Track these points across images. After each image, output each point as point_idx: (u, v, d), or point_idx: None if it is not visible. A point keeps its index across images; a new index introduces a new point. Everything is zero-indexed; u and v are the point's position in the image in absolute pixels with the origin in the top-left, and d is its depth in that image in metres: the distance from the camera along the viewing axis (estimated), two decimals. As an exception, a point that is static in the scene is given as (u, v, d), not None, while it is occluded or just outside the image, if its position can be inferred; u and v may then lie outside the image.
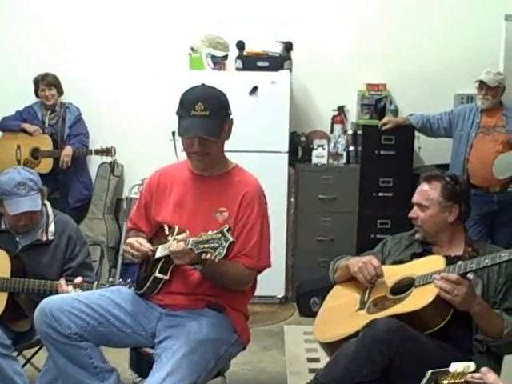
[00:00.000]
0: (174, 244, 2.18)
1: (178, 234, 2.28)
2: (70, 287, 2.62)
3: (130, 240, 2.39)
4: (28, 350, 2.86)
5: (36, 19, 4.96)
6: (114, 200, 5.01)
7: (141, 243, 2.34)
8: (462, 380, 1.36)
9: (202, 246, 2.07)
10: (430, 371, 1.44)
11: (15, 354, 2.67)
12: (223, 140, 2.37)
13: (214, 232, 2.08)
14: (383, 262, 2.51)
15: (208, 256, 2.06)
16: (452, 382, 1.37)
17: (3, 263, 2.68)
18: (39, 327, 2.30)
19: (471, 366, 1.38)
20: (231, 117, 2.38)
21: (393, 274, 2.41)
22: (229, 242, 2.04)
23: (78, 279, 2.67)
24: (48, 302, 2.31)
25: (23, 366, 2.77)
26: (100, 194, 4.94)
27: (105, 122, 4.97)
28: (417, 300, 2.22)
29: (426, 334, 2.18)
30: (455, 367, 1.39)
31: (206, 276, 2.28)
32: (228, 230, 2.07)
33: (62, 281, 2.64)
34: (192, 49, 4.60)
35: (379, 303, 2.33)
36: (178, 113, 2.32)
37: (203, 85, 2.38)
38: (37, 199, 2.74)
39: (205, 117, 2.25)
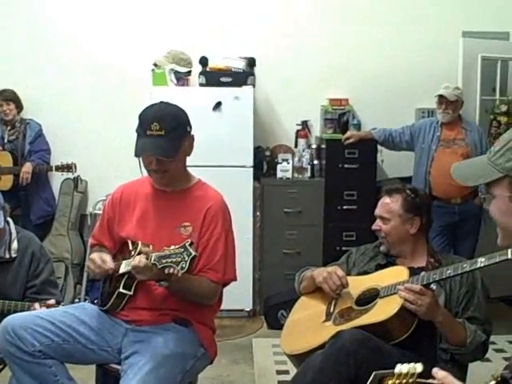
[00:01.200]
0: (135, 259, 2.17)
1: (141, 249, 2.27)
2: (37, 305, 2.57)
3: (92, 256, 2.37)
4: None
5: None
6: (78, 216, 4.97)
7: (103, 260, 2.32)
8: (410, 381, 1.32)
9: (164, 261, 2.07)
10: (374, 372, 1.42)
11: (-24, 374, 2.62)
12: (183, 157, 2.38)
13: (177, 247, 2.09)
14: (348, 274, 2.53)
15: (171, 271, 2.06)
16: (398, 382, 1.34)
17: (-36, 282, 2.62)
18: (2, 346, 2.25)
19: (418, 367, 1.32)
20: (191, 133, 2.38)
21: (358, 284, 2.43)
22: (191, 256, 2.05)
23: (51, 301, 2.63)
24: (10, 320, 2.27)
25: (-15, 386, 2.70)
26: (63, 210, 4.88)
27: (68, 138, 4.94)
28: (382, 311, 2.25)
29: (392, 344, 2.21)
30: (400, 368, 1.34)
31: (172, 292, 2.28)
32: (190, 244, 2.08)
33: (37, 305, 2.59)
34: (155, 64, 4.60)
35: (345, 314, 2.36)
36: (136, 131, 2.33)
37: (161, 103, 2.39)
38: (0, 216, 2.70)
39: (160, 136, 2.25)
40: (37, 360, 2.23)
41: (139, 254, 2.24)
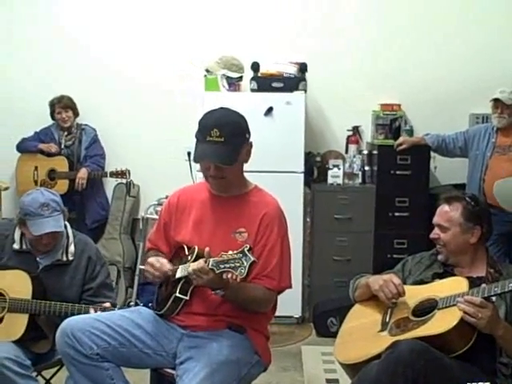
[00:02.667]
0: (195, 263, 2.18)
1: (197, 254, 2.28)
2: (92, 310, 2.62)
3: (150, 260, 2.39)
4: (47, 370, 2.85)
5: (52, 42, 5.03)
6: (130, 220, 5.03)
7: (162, 263, 2.34)
8: None
9: (222, 266, 2.07)
10: None
11: (34, 374, 2.67)
12: (241, 163, 2.38)
13: (235, 252, 2.08)
14: (404, 282, 2.49)
15: (229, 276, 2.07)
16: None
17: (24, 284, 2.68)
18: (61, 348, 2.29)
19: None
20: (249, 140, 2.38)
21: (414, 294, 2.39)
22: (250, 261, 2.05)
23: (107, 304, 2.67)
24: (69, 322, 2.32)
25: (42, 386, 2.77)
26: (116, 214, 4.96)
27: (121, 143, 5.01)
28: (440, 323, 2.20)
29: (451, 356, 2.16)
30: None
31: (227, 300, 2.28)
32: (249, 249, 2.08)
33: (92, 309, 2.63)
34: (207, 70, 4.63)
35: (401, 325, 2.32)
36: (196, 136, 2.34)
37: (222, 109, 2.39)
38: (60, 220, 2.76)
39: (220, 143, 2.26)
40: (94, 363, 2.26)
41: (196, 258, 2.25)
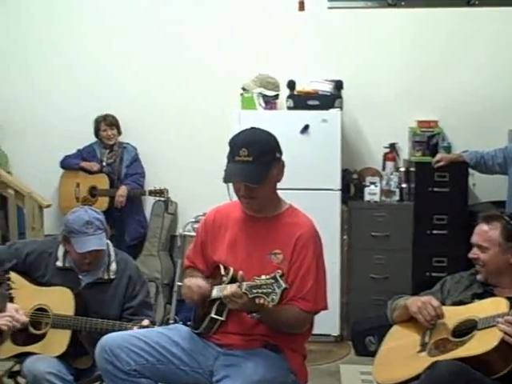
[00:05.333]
0: (227, 289, 2.19)
1: (233, 275, 2.30)
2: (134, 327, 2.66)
3: (188, 283, 2.41)
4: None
5: (93, 61, 5.16)
6: (169, 237, 5.09)
7: (199, 286, 2.36)
8: None
9: (255, 291, 2.08)
10: None
11: (76, 389, 2.72)
12: (272, 183, 2.36)
13: (268, 277, 2.09)
14: (443, 302, 2.46)
15: (261, 301, 2.07)
16: None
17: (67, 301, 2.74)
18: (100, 364, 2.33)
19: None
20: (281, 159, 2.37)
21: (454, 315, 2.36)
22: (281, 288, 2.04)
23: (145, 322, 2.71)
24: (107, 339, 2.35)
25: (83, 401, 2.80)
26: (155, 231, 5.02)
27: (160, 161, 5.09)
28: (480, 344, 2.17)
29: (491, 377, 2.13)
30: None
31: (263, 323, 2.28)
32: (281, 275, 2.08)
33: (135, 328, 2.67)
34: (243, 89, 4.68)
35: (441, 345, 2.29)
36: (227, 157, 2.36)
37: (251, 129, 2.40)
38: (103, 238, 2.83)
39: (248, 162, 2.26)
40: (132, 378, 2.29)
41: (231, 280, 2.27)
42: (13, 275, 2.51)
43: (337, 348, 4.41)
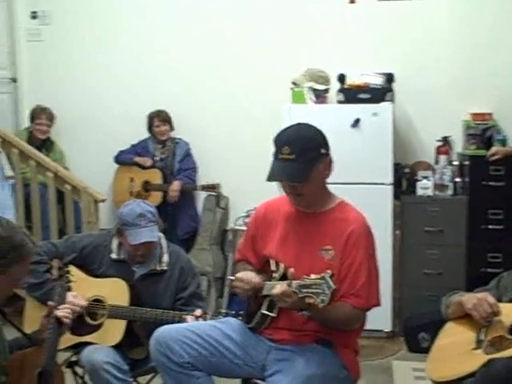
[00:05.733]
0: (276, 288, 2.19)
1: (283, 272, 2.30)
2: (189, 318, 2.70)
3: (239, 275, 2.41)
4: (143, 376, 2.94)
5: (150, 58, 5.25)
6: (220, 231, 5.12)
7: (249, 279, 2.36)
8: None
9: (305, 291, 2.07)
10: None
11: (131, 379, 2.77)
12: (318, 179, 2.33)
13: (317, 277, 2.08)
14: (499, 299, 2.40)
15: (311, 301, 2.06)
16: None
17: (122, 292, 2.81)
18: (154, 355, 2.37)
19: None
20: (328, 154, 2.34)
21: (510, 312, 2.31)
22: (331, 289, 2.03)
23: (198, 312, 2.75)
24: (162, 331, 2.39)
25: (138, 392, 2.86)
26: (206, 225, 5.07)
27: (211, 156, 5.15)
28: (538, 341, 2.12)
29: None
30: None
31: (313, 320, 2.28)
32: (331, 276, 2.06)
33: (188, 318, 2.71)
34: (294, 83, 4.68)
35: (497, 343, 2.24)
36: (272, 154, 2.34)
37: (296, 125, 2.38)
38: (155, 230, 2.88)
39: (290, 160, 2.24)
40: (185, 371, 2.32)
41: (282, 277, 2.28)
42: (71, 268, 2.58)
43: (389, 344, 4.38)
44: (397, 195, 4.54)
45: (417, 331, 4.20)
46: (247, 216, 4.45)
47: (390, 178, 4.42)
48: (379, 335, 4.40)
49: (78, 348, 2.78)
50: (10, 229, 1.95)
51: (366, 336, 4.12)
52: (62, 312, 2.27)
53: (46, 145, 5.12)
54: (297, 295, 2.10)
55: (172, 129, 5.06)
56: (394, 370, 3.89)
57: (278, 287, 2.18)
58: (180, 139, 5.08)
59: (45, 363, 2.10)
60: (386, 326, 4.43)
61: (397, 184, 4.56)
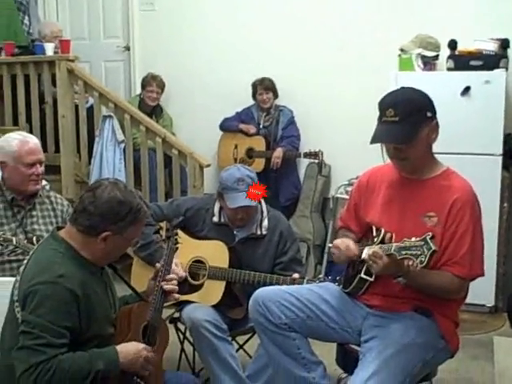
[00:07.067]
0: (369, 249, 2.19)
1: (384, 236, 2.28)
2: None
3: (336, 242, 2.43)
4: (241, 336, 3.05)
5: (258, 27, 5.30)
6: (321, 199, 5.14)
7: (347, 245, 2.37)
8: None
9: (404, 253, 2.05)
10: None
11: (230, 338, 2.86)
12: (423, 143, 2.28)
13: (417, 239, 2.05)
14: None
15: (410, 263, 2.04)
16: None
17: (222, 254, 2.90)
18: (253, 315, 2.44)
19: None
20: (434, 119, 2.29)
21: None
22: (431, 250, 1.99)
23: (296, 275, 2.79)
24: (261, 292, 2.45)
25: (236, 351, 2.94)
26: (308, 193, 5.09)
27: (314, 124, 5.14)
28: None
29: None
30: None
31: (411, 287, 2.26)
32: (431, 238, 2.03)
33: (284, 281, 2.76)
34: (402, 50, 4.55)
35: None
36: (377, 118, 2.32)
37: (400, 89, 2.34)
38: None
39: (394, 122, 2.21)
40: (282, 332, 2.37)
41: (382, 241, 2.26)
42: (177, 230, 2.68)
43: (491, 319, 4.25)
44: (506, 166, 4.34)
45: (521, 308, 4.05)
46: (349, 184, 4.43)
47: (499, 149, 4.23)
48: (481, 310, 4.27)
49: (179, 305, 2.89)
50: (128, 193, 2.04)
51: (467, 310, 4.07)
52: (169, 285, 2.29)
53: (155, 111, 5.30)
54: (389, 258, 2.09)
55: (276, 96, 5.09)
56: (495, 345, 3.76)
57: (371, 250, 2.18)
58: (284, 107, 5.11)
59: (151, 318, 2.19)
60: (489, 300, 4.30)
61: (507, 155, 4.35)
